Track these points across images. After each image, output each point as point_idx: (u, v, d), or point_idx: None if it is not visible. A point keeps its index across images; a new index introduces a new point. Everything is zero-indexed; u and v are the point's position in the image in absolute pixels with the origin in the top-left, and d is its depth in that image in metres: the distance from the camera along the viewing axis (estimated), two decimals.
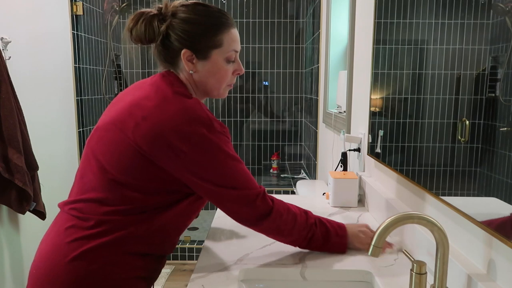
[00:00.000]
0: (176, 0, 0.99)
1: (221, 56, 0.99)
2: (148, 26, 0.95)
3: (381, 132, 1.41)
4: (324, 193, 1.66)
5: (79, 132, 2.96)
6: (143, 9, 0.97)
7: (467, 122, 0.85)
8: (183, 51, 0.97)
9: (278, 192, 3.05)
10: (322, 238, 1.09)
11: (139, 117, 0.92)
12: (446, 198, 0.94)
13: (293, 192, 2.98)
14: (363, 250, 1.13)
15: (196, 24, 0.96)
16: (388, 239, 1.20)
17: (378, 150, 1.44)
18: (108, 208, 0.93)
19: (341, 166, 1.77)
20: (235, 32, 1.01)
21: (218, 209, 1.54)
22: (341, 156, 1.77)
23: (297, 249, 1.14)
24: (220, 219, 1.40)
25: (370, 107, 1.52)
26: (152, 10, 0.97)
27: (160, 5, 0.98)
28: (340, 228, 1.13)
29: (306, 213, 1.09)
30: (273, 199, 1.04)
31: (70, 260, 0.90)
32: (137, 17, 0.96)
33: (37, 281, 0.93)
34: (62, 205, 1.01)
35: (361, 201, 1.57)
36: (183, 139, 0.90)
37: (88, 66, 3.07)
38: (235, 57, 1.02)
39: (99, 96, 3.30)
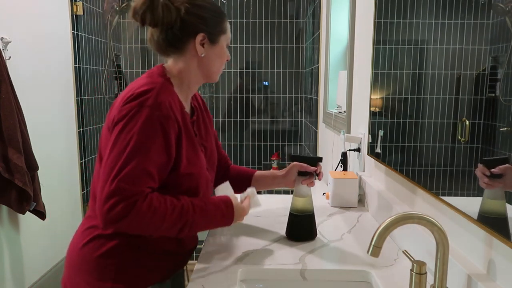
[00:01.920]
0: None
1: (225, 42, 1.11)
2: (165, 11, 1.00)
3: (381, 132, 1.41)
4: (324, 193, 1.66)
5: (79, 132, 2.96)
6: None
7: (467, 122, 0.85)
8: (198, 35, 1.04)
9: (278, 192, 3.05)
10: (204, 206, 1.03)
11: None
12: (446, 198, 0.94)
13: (293, 192, 2.98)
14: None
15: (210, 11, 1.06)
16: (387, 240, 1.20)
17: (378, 150, 1.44)
18: None
19: (341, 166, 1.77)
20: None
21: None
22: (341, 156, 1.77)
23: (297, 249, 1.14)
24: None
25: (370, 107, 1.52)
26: None
27: None
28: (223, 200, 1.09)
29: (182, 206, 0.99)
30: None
31: (82, 246, 1.03)
32: (149, 1, 0.99)
33: (65, 263, 1.10)
34: None
35: (361, 201, 1.56)
36: (118, 109, 0.96)
37: (88, 66, 3.08)
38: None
39: (99, 96, 3.30)
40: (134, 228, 0.94)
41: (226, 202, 1.07)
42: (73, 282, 1.06)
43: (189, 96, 1.12)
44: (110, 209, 0.89)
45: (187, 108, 1.10)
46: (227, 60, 1.14)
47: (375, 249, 0.77)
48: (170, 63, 1.09)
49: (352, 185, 1.51)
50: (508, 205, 0.72)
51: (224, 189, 1.14)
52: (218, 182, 1.21)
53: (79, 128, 2.96)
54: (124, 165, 0.90)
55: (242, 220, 1.12)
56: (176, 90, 1.05)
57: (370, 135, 1.53)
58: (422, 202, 1.12)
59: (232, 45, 3.76)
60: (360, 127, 1.72)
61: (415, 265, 0.80)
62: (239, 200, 1.13)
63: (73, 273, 1.06)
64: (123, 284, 1.01)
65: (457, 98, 0.89)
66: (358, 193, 1.54)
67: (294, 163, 1.26)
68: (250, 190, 1.17)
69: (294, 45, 3.86)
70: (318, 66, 2.89)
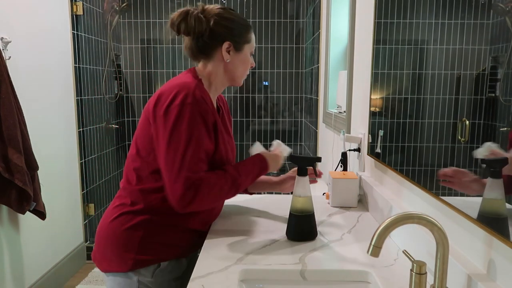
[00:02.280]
0: (210, 5, 1.22)
1: (248, 50, 1.26)
2: (197, 22, 1.16)
3: (381, 132, 1.41)
4: (324, 193, 1.66)
5: (79, 132, 2.96)
6: (186, 8, 1.17)
7: (467, 122, 0.85)
8: (225, 43, 1.20)
9: (278, 192, 3.05)
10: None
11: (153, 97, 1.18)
12: (446, 198, 0.94)
13: (293, 192, 2.98)
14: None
15: (236, 23, 1.22)
16: (387, 240, 1.20)
17: (378, 150, 1.44)
18: (134, 187, 1.18)
19: (341, 166, 1.77)
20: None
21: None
22: (341, 156, 1.77)
23: (297, 249, 1.14)
24: (220, 218, 1.40)
25: (370, 107, 1.52)
26: (194, 9, 1.17)
27: (197, 7, 1.19)
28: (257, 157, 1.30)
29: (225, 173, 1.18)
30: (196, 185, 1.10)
31: (111, 220, 1.20)
32: (184, 14, 1.16)
33: (95, 238, 1.25)
34: None
35: (361, 201, 1.57)
36: (159, 103, 1.12)
37: (88, 66, 3.07)
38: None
39: (99, 96, 3.30)
40: (203, 205, 1.13)
41: (259, 156, 1.29)
42: (101, 254, 1.21)
43: (215, 96, 1.28)
44: (181, 198, 1.08)
45: (215, 106, 1.25)
46: (252, 67, 1.29)
47: (375, 249, 0.77)
48: (200, 66, 1.24)
49: (352, 185, 1.51)
50: (508, 205, 0.72)
51: (256, 148, 1.35)
52: None
53: (79, 128, 2.96)
54: (182, 159, 1.08)
55: (279, 166, 1.34)
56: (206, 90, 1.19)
57: (370, 135, 1.53)
58: (422, 202, 1.12)
59: None
60: (360, 127, 1.72)
61: (415, 265, 0.80)
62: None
63: (102, 245, 1.21)
64: (145, 256, 1.16)
65: (457, 98, 0.89)
66: (358, 193, 1.55)
67: (289, 177, 1.45)
68: (276, 142, 1.38)
69: (294, 45, 3.86)
70: (318, 66, 2.89)
